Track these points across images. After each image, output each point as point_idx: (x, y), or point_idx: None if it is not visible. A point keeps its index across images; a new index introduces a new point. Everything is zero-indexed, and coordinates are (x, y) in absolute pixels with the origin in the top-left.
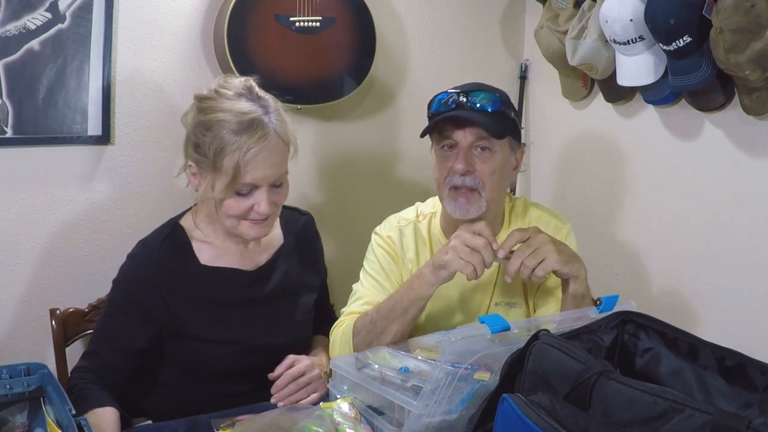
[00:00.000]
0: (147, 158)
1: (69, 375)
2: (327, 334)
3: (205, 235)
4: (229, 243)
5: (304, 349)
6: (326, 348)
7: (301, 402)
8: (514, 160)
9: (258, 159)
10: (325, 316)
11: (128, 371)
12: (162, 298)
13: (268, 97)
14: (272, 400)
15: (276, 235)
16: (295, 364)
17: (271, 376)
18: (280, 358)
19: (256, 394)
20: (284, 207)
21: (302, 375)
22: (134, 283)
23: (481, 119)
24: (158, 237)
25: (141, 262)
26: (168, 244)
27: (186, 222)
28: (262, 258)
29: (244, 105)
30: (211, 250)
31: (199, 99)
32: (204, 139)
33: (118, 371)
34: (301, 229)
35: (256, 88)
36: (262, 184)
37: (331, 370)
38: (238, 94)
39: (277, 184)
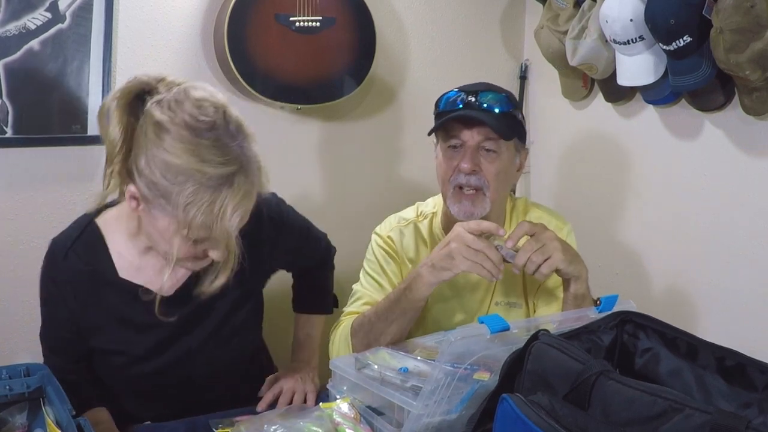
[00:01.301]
0: None
1: None
2: (318, 304)
3: (122, 242)
4: (147, 258)
5: (253, 356)
6: (309, 336)
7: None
8: (518, 161)
9: (236, 212)
10: (307, 285)
11: (88, 372)
12: (71, 307)
13: (248, 131)
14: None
15: None
16: (283, 387)
17: (258, 407)
18: (221, 372)
19: (223, 402)
20: None
21: (293, 395)
22: (48, 292)
23: (489, 120)
24: (68, 240)
25: (49, 265)
26: (80, 247)
27: (103, 221)
28: (178, 279)
29: (220, 139)
30: (130, 261)
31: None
32: (165, 191)
33: (79, 374)
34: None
35: (229, 114)
36: (229, 233)
37: (330, 370)
38: (214, 127)
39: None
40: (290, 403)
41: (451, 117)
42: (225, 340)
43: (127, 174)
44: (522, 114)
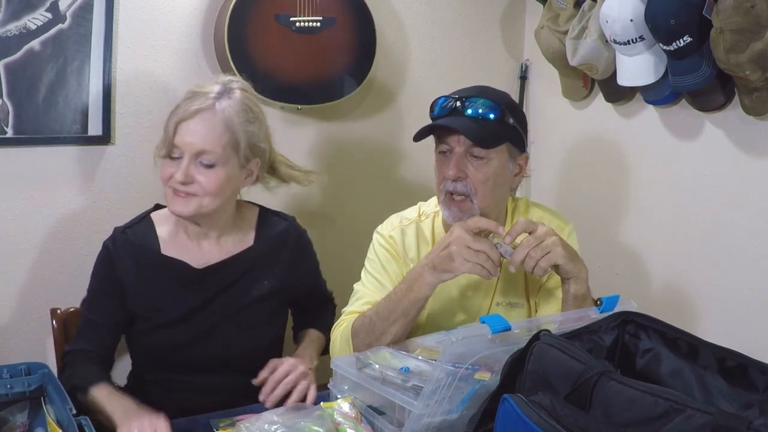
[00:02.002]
0: (147, 158)
1: (62, 357)
2: (323, 328)
3: (170, 226)
4: (184, 236)
5: (267, 353)
6: (315, 342)
7: (294, 401)
8: (514, 166)
9: (189, 123)
10: (313, 312)
11: (111, 346)
12: (120, 278)
13: (241, 96)
14: (261, 398)
15: (243, 239)
16: (278, 367)
17: (255, 381)
18: (236, 360)
19: (232, 391)
20: (267, 210)
21: (287, 375)
22: (102, 262)
23: (468, 127)
24: (127, 224)
25: (107, 243)
26: (133, 230)
27: (157, 213)
28: (214, 258)
29: (208, 84)
30: (172, 241)
31: None
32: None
33: (101, 347)
34: (275, 233)
35: (238, 84)
36: (185, 151)
37: (331, 369)
38: (217, 83)
39: (207, 164)
40: (286, 395)
41: (433, 124)
42: (246, 326)
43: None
44: (519, 119)
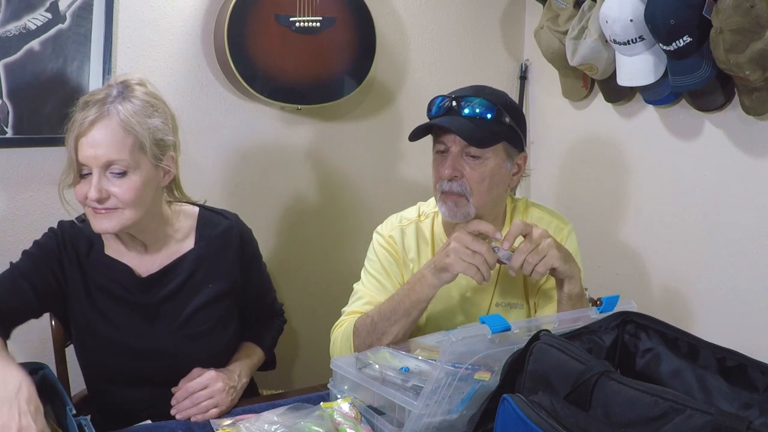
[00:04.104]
0: None
1: None
2: (260, 341)
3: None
4: (131, 243)
5: (219, 359)
6: (250, 358)
7: (196, 417)
8: (512, 166)
9: (88, 137)
10: (254, 322)
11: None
12: (57, 273)
13: (138, 91)
14: (171, 412)
15: (182, 242)
16: (196, 377)
17: (173, 389)
18: (188, 368)
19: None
20: (208, 210)
21: (204, 388)
22: (40, 249)
23: (463, 127)
24: (75, 219)
25: (51, 234)
26: (81, 227)
27: None
28: (157, 264)
29: (100, 90)
30: (117, 245)
31: None
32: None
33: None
34: (217, 233)
35: (134, 80)
36: (93, 166)
37: (331, 369)
38: (110, 85)
39: (118, 173)
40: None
41: (430, 124)
42: (195, 334)
43: None
44: (517, 118)
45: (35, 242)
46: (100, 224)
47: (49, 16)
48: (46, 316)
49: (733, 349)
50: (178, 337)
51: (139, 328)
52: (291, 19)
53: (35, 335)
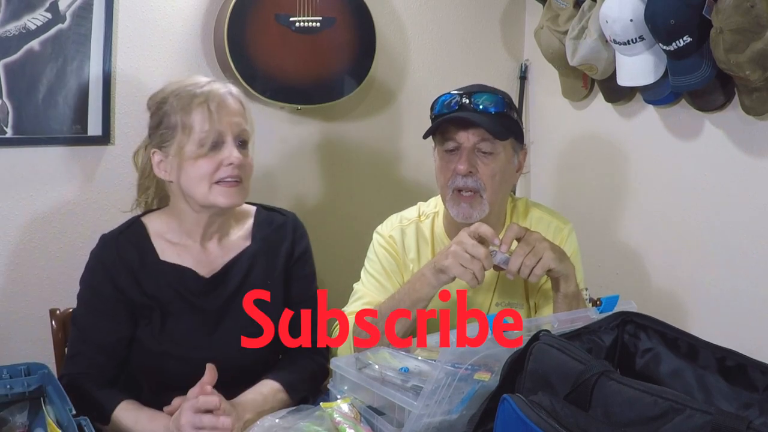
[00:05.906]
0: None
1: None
2: (295, 388)
3: (165, 232)
4: (188, 241)
5: (273, 357)
6: (268, 401)
7: None
8: (516, 162)
9: (224, 106)
10: (297, 352)
11: (115, 365)
12: (120, 288)
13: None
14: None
15: (241, 238)
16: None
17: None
18: (252, 369)
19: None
20: (266, 208)
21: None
22: (95, 275)
23: (484, 121)
24: (116, 230)
25: (98, 254)
26: (125, 236)
27: (147, 218)
28: (219, 263)
29: (198, 80)
30: (171, 247)
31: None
32: (165, 108)
33: (105, 368)
34: (272, 229)
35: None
36: (229, 133)
37: (331, 369)
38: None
39: (243, 144)
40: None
41: (447, 118)
42: (256, 334)
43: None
44: (517, 113)
45: (84, 277)
46: (229, 198)
47: (49, 16)
48: (47, 316)
49: (732, 349)
50: (237, 335)
51: (202, 332)
52: (291, 19)
53: (35, 335)
